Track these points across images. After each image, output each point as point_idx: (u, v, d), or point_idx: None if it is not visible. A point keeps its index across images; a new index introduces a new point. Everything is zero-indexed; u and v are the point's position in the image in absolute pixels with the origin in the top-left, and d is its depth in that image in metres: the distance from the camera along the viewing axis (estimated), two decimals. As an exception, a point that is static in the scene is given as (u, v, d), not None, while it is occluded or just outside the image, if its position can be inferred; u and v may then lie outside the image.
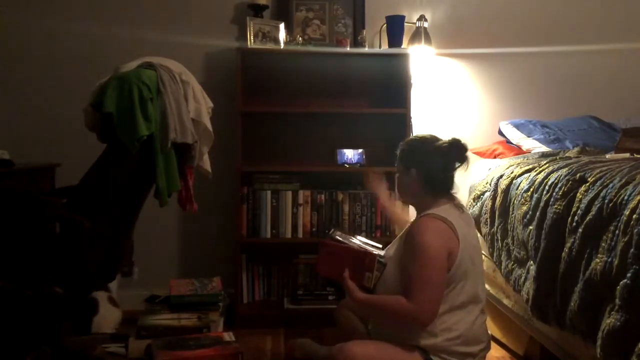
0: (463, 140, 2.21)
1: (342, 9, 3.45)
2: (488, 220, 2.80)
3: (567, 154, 2.85)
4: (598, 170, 2.07)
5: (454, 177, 2.23)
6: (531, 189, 2.38)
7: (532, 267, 2.25)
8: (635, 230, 1.64)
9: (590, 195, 1.94)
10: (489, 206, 2.80)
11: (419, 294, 2.01)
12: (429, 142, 2.23)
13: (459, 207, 2.21)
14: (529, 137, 3.25)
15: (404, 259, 2.12)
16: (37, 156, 3.17)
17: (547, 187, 2.24)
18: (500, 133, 3.45)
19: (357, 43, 3.35)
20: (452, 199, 2.22)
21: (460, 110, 3.61)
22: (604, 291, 1.76)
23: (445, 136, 2.24)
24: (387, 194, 2.77)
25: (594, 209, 1.88)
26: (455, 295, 2.09)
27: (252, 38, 3.22)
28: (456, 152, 2.19)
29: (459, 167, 2.20)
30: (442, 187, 2.20)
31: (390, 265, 2.18)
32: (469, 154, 2.22)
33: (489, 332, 2.33)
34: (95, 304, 2.78)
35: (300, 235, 3.25)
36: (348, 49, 3.30)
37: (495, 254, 2.70)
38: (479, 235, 2.99)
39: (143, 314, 2.78)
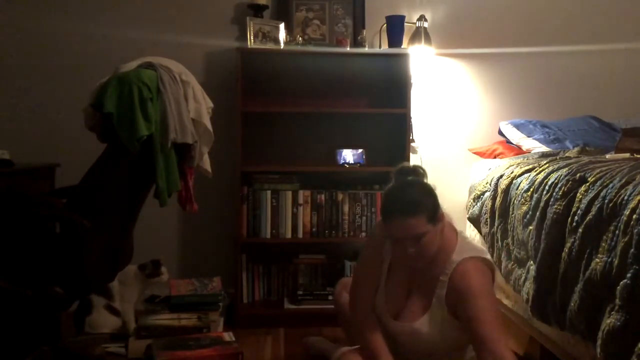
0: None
1: (342, 9, 3.45)
2: (488, 220, 2.80)
3: (567, 154, 2.85)
4: (598, 170, 2.06)
5: None
6: (531, 189, 2.38)
7: (532, 267, 2.25)
8: (635, 230, 1.64)
9: (590, 195, 1.94)
10: (489, 206, 2.80)
11: (498, 338, 1.85)
12: (426, 183, 2.06)
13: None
14: (529, 137, 3.25)
15: (460, 315, 1.95)
16: (37, 156, 3.17)
17: (547, 187, 2.24)
18: (500, 133, 3.45)
19: (357, 43, 3.35)
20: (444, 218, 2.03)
21: (460, 110, 3.61)
22: (604, 291, 1.76)
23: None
24: None
25: (594, 209, 1.88)
26: None
27: (252, 38, 3.22)
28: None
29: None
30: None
31: (428, 328, 2.00)
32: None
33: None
34: (90, 304, 2.77)
35: (300, 235, 3.25)
36: (348, 49, 3.30)
37: (495, 254, 2.69)
38: (478, 235, 2.99)
39: (143, 314, 2.79)
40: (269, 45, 3.24)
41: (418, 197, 1.93)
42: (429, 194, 1.95)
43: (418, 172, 2.06)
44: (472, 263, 1.98)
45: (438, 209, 1.95)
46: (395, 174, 2.06)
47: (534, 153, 3.06)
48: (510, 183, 2.62)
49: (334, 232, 3.27)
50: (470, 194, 3.20)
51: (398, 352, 2.08)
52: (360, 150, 3.33)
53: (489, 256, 2.08)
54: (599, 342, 1.72)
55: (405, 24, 3.38)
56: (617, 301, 1.66)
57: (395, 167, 2.08)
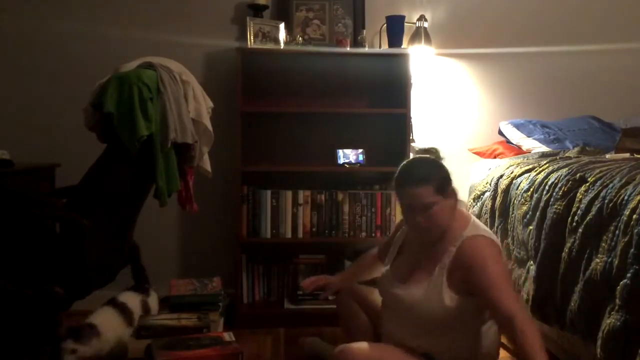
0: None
1: (342, 9, 3.45)
2: (488, 220, 2.80)
3: (567, 154, 2.85)
4: (598, 170, 2.07)
5: None
6: (531, 189, 2.38)
7: (532, 267, 2.25)
8: (635, 230, 1.64)
9: (590, 195, 1.94)
10: (489, 206, 2.80)
11: (514, 301, 1.82)
12: (437, 159, 2.20)
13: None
14: (529, 137, 3.26)
15: (474, 289, 1.92)
16: (37, 156, 3.17)
17: (547, 187, 2.24)
18: (500, 133, 3.45)
19: (357, 43, 3.35)
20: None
21: (460, 110, 3.61)
22: (604, 291, 1.76)
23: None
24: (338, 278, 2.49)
25: (594, 209, 1.88)
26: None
27: (252, 38, 3.22)
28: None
29: None
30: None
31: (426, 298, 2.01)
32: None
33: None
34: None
35: (300, 235, 3.25)
36: (348, 49, 3.30)
37: (495, 254, 2.69)
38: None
39: (143, 314, 2.78)
40: (269, 45, 3.24)
41: (427, 168, 2.03)
42: (439, 168, 2.04)
43: (431, 152, 2.33)
44: (482, 239, 1.98)
45: (447, 183, 2.00)
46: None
47: (534, 153, 3.07)
48: (510, 183, 2.63)
49: (334, 232, 3.27)
50: (470, 194, 3.20)
51: (396, 323, 2.09)
52: (360, 150, 3.33)
53: (498, 241, 2.05)
54: (599, 342, 1.72)
55: (405, 24, 3.38)
56: (617, 301, 1.66)
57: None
